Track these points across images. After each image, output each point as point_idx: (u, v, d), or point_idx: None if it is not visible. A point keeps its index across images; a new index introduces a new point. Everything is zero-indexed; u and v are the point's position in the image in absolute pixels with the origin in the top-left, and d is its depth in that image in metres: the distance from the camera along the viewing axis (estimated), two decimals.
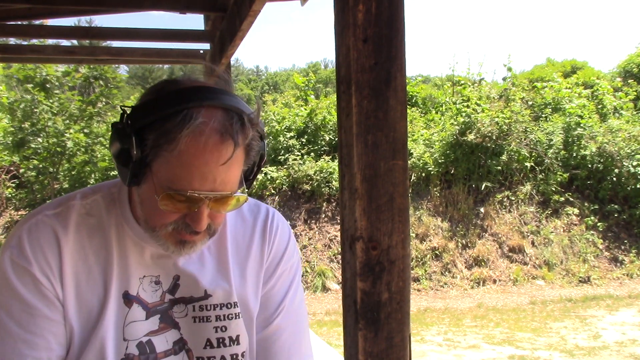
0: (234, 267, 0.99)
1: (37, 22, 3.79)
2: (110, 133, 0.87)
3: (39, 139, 9.37)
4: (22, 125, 9.46)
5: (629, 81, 13.78)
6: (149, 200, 0.84)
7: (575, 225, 9.84)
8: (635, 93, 12.97)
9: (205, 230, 0.87)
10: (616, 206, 9.99)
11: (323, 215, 9.59)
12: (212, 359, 0.94)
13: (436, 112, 12.32)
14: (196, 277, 0.94)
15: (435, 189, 9.93)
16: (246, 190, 0.92)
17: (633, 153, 10.22)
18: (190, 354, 0.93)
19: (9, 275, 0.84)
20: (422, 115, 12.45)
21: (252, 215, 1.04)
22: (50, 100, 9.63)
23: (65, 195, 0.95)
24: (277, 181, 9.84)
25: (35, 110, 9.43)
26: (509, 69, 12.19)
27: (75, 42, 11.43)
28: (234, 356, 0.95)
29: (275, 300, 1.03)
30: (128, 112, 0.83)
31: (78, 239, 0.89)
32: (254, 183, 9.13)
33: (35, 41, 4.87)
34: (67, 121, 9.80)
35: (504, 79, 12.27)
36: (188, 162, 0.79)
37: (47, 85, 9.80)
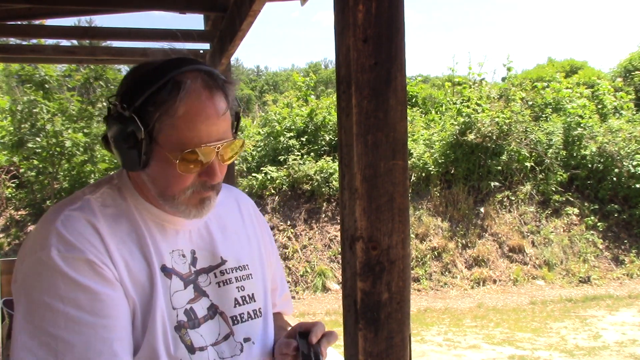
0: (236, 233, 1.11)
1: (37, 22, 3.79)
2: (106, 128, 0.91)
3: (38, 139, 9.36)
4: (23, 125, 9.45)
5: (634, 73, 13.70)
6: (163, 172, 0.91)
7: (575, 225, 9.84)
8: (635, 92, 12.95)
9: (216, 184, 0.96)
10: (616, 206, 9.99)
11: (323, 215, 9.58)
12: (242, 315, 1.04)
13: (436, 112, 12.31)
14: (209, 247, 1.04)
15: (435, 189, 9.92)
16: (240, 137, 1.00)
17: (633, 153, 10.22)
18: (224, 316, 1.02)
19: (65, 270, 0.83)
20: (422, 115, 12.44)
21: (224, 189, 1.14)
22: (46, 101, 9.60)
23: (72, 195, 0.96)
24: (277, 181, 9.83)
25: (35, 110, 9.41)
26: (509, 69, 12.19)
27: (75, 42, 11.41)
28: (254, 311, 1.07)
29: (277, 259, 1.23)
30: (116, 100, 0.89)
31: (109, 225, 0.91)
32: (254, 183, 9.09)
33: (35, 41, 4.86)
34: (67, 122, 9.78)
35: (504, 79, 12.27)
36: (193, 121, 0.87)
37: (46, 85, 9.78)
